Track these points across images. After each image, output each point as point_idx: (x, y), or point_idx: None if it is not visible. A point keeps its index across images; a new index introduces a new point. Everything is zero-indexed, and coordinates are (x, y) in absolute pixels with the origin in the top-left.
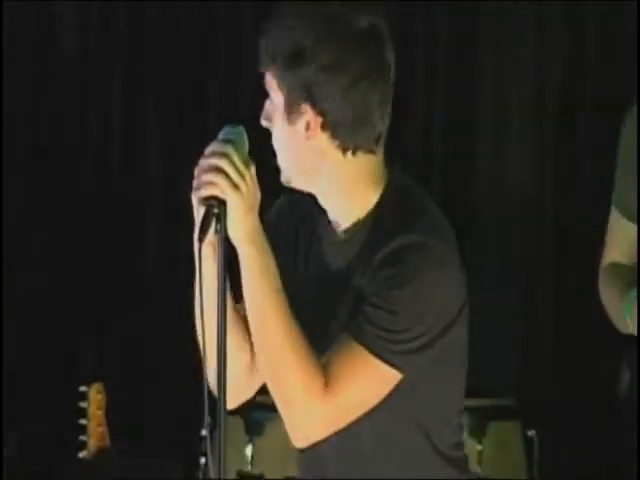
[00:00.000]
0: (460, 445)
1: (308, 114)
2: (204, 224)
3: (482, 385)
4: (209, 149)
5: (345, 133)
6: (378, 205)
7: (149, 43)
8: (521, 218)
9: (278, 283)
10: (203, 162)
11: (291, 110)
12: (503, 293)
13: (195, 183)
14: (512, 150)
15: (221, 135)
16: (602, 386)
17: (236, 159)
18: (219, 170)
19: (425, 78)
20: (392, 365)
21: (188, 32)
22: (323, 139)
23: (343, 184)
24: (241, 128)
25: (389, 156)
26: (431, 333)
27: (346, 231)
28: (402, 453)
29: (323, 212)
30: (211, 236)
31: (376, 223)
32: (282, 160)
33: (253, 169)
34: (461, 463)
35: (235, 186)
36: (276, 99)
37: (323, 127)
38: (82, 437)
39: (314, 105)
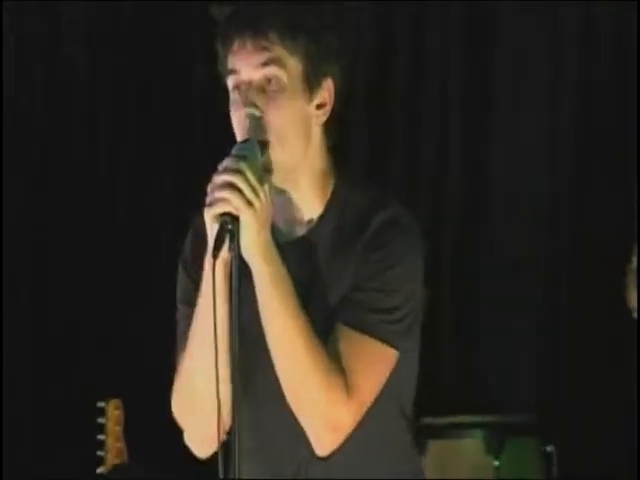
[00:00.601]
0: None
1: (327, 91)
2: (218, 241)
3: (499, 401)
4: (222, 165)
5: (336, 120)
6: (334, 196)
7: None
8: (537, 231)
9: (293, 296)
10: (216, 179)
11: (312, 84)
12: (520, 309)
13: (208, 200)
14: (526, 153)
15: (234, 151)
16: (621, 401)
17: (250, 175)
18: (233, 187)
19: (440, 82)
20: (394, 346)
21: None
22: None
23: (320, 177)
24: (254, 144)
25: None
26: (416, 309)
27: (309, 223)
28: (375, 419)
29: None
30: (224, 253)
31: (341, 211)
32: (287, 148)
33: (267, 186)
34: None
35: (249, 203)
36: (281, 79)
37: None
38: (100, 453)
39: (334, 80)
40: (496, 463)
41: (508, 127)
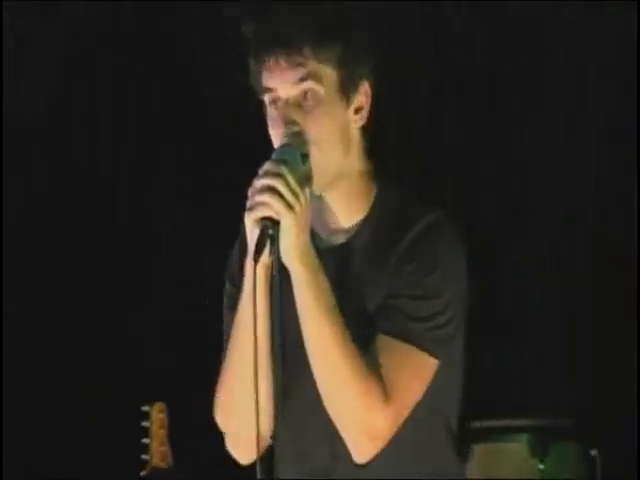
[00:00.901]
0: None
1: (364, 94)
2: (259, 245)
3: (544, 405)
4: (263, 169)
5: (374, 122)
6: (377, 201)
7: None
8: (571, 236)
9: (332, 300)
10: (257, 183)
11: (348, 90)
12: (562, 312)
13: (249, 204)
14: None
15: (275, 155)
16: None
17: (290, 179)
18: (273, 190)
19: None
20: (434, 354)
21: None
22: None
23: (360, 181)
24: (295, 148)
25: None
26: (459, 316)
27: (348, 231)
28: (414, 429)
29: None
30: (264, 257)
31: (381, 218)
32: (327, 156)
33: (307, 190)
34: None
35: (289, 206)
36: (318, 92)
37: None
38: (144, 456)
39: (369, 81)
40: (541, 467)
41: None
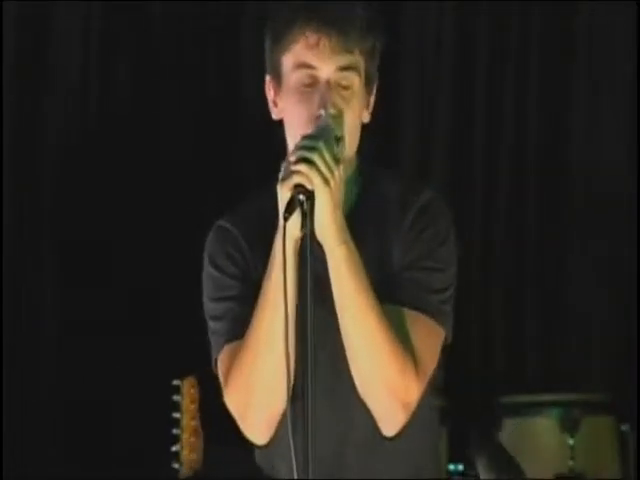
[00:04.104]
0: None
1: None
2: (290, 205)
3: (575, 380)
4: (299, 143)
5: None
6: (363, 179)
7: None
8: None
9: (365, 273)
10: (292, 155)
11: (372, 84)
12: (594, 291)
13: (282, 174)
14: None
15: (312, 132)
16: None
17: (327, 155)
18: (310, 162)
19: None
20: (444, 325)
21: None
22: None
23: (352, 162)
24: (331, 129)
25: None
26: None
27: (352, 207)
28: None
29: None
30: (295, 230)
31: (375, 194)
32: (350, 143)
33: (341, 167)
34: None
35: (325, 180)
36: (355, 83)
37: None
38: (176, 431)
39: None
40: (571, 442)
41: (587, 127)
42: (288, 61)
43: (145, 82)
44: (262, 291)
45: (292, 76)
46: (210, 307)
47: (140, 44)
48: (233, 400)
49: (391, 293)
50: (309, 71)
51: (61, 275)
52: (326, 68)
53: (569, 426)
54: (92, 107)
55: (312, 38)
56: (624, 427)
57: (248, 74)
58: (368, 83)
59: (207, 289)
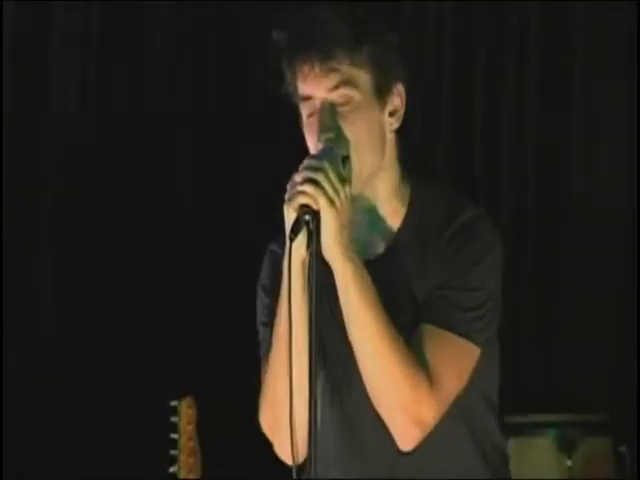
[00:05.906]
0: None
1: (398, 96)
2: (296, 225)
3: (573, 401)
4: (304, 164)
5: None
6: (413, 201)
7: None
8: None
9: (374, 293)
10: (297, 176)
11: (384, 94)
12: (595, 308)
13: (288, 195)
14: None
15: (315, 152)
16: None
17: (331, 174)
18: (315, 183)
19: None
20: (477, 342)
21: None
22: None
23: (397, 183)
24: (336, 150)
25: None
26: (498, 306)
27: (389, 236)
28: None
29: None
30: (302, 251)
31: (420, 217)
32: (363, 159)
33: (348, 188)
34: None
35: (330, 201)
36: (354, 97)
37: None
38: (173, 452)
39: (403, 83)
40: (569, 462)
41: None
42: (298, 98)
43: (145, 82)
44: (277, 311)
45: (302, 111)
46: (259, 330)
47: (140, 45)
48: (262, 421)
49: (423, 312)
50: (308, 102)
51: (58, 301)
52: (318, 94)
53: (567, 446)
54: (92, 107)
55: (302, 69)
56: (622, 448)
57: (248, 74)
58: (378, 90)
59: (257, 312)
